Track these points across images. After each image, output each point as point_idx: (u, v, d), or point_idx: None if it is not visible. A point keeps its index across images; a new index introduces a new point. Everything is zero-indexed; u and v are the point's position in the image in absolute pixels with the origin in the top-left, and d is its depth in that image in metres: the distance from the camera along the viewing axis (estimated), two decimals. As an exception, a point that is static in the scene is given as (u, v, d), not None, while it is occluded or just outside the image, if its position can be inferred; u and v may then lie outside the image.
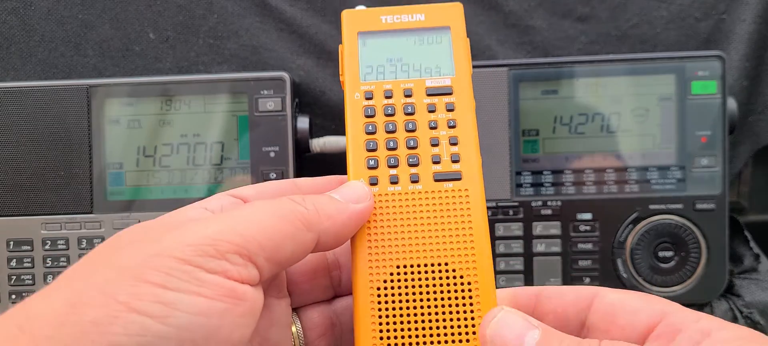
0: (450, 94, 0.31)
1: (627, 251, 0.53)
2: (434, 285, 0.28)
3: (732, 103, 0.53)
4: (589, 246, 0.53)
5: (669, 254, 0.53)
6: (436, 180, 0.29)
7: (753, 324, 0.51)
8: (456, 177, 0.30)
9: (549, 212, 0.53)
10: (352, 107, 0.31)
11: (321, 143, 0.56)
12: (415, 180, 0.29)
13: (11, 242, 0.54)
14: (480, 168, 0.30)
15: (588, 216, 0.53)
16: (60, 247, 0.54)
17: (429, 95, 0.31)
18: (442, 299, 0.28)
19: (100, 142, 0.54)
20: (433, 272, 0.28)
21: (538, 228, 0.53)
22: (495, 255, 0.53)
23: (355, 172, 0.30)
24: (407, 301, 0.28)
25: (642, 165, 0.52)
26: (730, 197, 0.57)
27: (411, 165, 0.30)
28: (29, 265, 0.54)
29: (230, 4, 0.58)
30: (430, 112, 0.31)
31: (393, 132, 0.30)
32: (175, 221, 0.26)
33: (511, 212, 0.53)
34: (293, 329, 0.31)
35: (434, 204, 0.29)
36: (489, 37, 0.58)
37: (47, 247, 0.54)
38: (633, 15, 0.57)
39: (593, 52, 0.58)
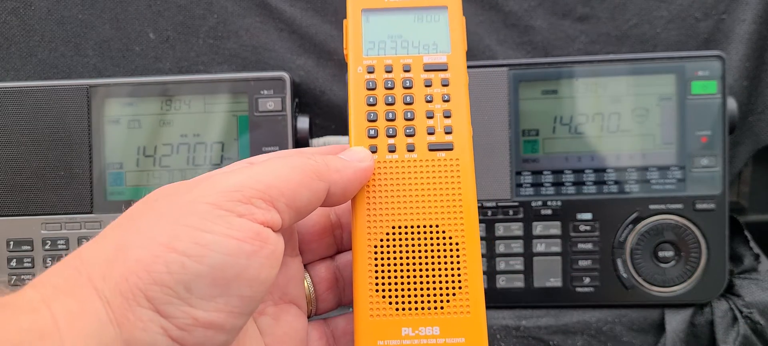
0: (445, 70, 0.33)
1: (627, 251, 0.53)
2: (426, 244, 0.31)
3: (732, 103, 0.53)
4: (589, 246, 0.53)
5: (669, 254, 0.53)
6: (430, 150, 0.32)
7: (753, 324, 0.51)
8: (448, 147, 0.32)
9: (549, 212, 0.53)
10: (354, 80, 0.33)
11: (321, 143, 0.56)
12: (411, 149, 0.32)
13: (11, 242, 0.54)
14: (470, 140, 0.32)
15: (588, 216, 0.53)
16: (60, 247, 0.54)
17: (426, 71, 0.33)
18: (433, 257, 0.31)
19: (100, 142, 0.54)
20: (425, 232, 0.31)
21: (538, 228, 0.53)
22: (495, 255, 0.53)
23: (356, 140, 0.32)
24: (401, 258, 0.31)
25: (642, 165, 0.52)
26: (730, 197, 0.57)
27: (408, 135, 0.32)
28: (29, 265, 0.54)
29: (230, 4, 0.58)
30: (427, 86, 0.33)
31: (392, 104, 0.33)
32: (202, 177, 0.29)
33: (511, 212, 0.53)
34: (305, 283, 0.34)
35: (428, 171, 0.32)
36: (489, 37, 0.58)
37: (47, 247, 0.54)
38: (633, 15, 0.57)
39: (593, 52, 0.58)
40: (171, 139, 0.54)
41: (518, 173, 0.53)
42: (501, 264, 0.53)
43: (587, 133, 0.53)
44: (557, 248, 0.53)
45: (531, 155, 0.53)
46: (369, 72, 0.33)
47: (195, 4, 0.58)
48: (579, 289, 0.53)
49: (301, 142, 0.54)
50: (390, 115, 0.32)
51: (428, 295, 0.31)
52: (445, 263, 0.31)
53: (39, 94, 0.53)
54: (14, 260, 0.54)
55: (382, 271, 0.31)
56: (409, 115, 0.32)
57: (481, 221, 0.53)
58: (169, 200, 0.27)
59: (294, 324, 0.32)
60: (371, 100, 0.33)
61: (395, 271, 0.31)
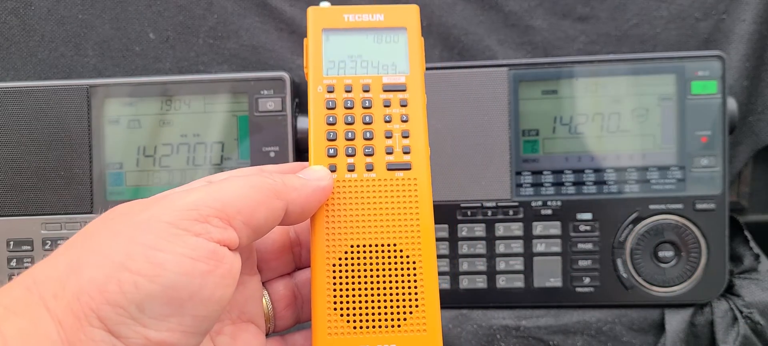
0: (404, 90, 0.34)
1: (627, 251, 0.53)
2: (383, 263, 0.32)
3: (732, 103, 0.53)
4: (589, 246, 0.53)
5: (669, 254, 0.53)
6: (388, 169, 0.33)
7: (753, 324, 0.51)
8: (406, 167, 0.33)
9: (549, 212, 0.53)
10: (314, 99, 0.34)
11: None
12: (369, 169, 0.33)
13: (11, 242, 0.54)
14: (428, 159, 0.33)
15: (588, 216, 0.53)
16: (60, 247, 0.54)
17: (385, 91, 0.34)
18: (390, 275, 0.31)
19: (100, 142, 0.54)
20: (382, 251, 0.32)
21: (538, 228, 0.53)
22: (495, 255, 0.53)
23: (316, 159, 0.33)
24: (359, 276, 0.31)
25: (642, 165, 0.52)
26: (730, 197, 0.57)
27: (366, 155, 0.33)
28: (29, 265, 0.54)
29: (230, 4, 0.58)
30: (386, 106, 0.34)
31: (351, 124, 0.33)
32: (159, 196, 0.29)
33: (511, 212, 0.53)
34: (264, 300, 0.34)
35: (386, 191, 0.32)
36: (489, 37, 0.58)
37: (47, 247, 0.54)
38: (633, 15, 0.57)
39: (593, 52, 0.58)
40: (171, 139, 0.54)
41: (518, 173, 0.53)
42: (501, 264, 0.53)
43: (587, 133, 0.53)
44: (557, 248, 0.53)
45: (531, 155, 0.53)
46: (329, 91, 0.34)
47: (195, 4, 0.58)
48: (579, 289, 0.53)
49: (301, 142, 0.54)
50: (349, 135, 0.33)
51: (386, 313, 0.31)
52: (403, 281, 0.31)
53: (39, 94, 0.53)
54: (14, 260, 0.54)
55: (341, 289, 0.31)
56: (368, 135, 0.33)
57: (481, 221, 0.53)
58: (125, 218, 0.27)
59: (252, 343, 0.32)
60: (331, 119, 0.33)
61: (353, 289, 0.31)
